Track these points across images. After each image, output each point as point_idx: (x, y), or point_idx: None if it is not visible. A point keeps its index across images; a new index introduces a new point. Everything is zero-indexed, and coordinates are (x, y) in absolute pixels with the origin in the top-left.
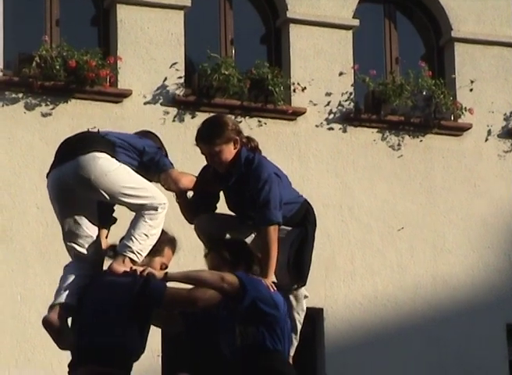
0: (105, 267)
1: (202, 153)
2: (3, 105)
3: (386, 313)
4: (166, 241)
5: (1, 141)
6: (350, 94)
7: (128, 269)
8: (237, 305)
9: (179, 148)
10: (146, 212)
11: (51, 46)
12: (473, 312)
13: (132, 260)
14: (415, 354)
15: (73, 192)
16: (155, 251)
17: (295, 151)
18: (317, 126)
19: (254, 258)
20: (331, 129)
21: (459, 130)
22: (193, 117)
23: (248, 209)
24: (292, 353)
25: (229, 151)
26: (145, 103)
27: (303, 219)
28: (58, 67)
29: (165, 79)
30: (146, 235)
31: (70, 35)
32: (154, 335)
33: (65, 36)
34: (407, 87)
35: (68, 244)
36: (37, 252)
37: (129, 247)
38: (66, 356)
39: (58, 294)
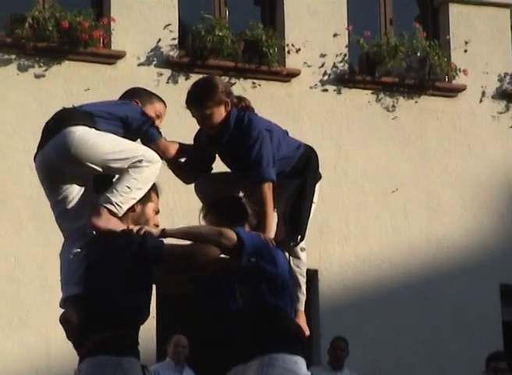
0: None
1: (193, 116)
2: None
3: (380, 274)
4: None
5: None
6: (345, 55)
7: (108, 226)
8: (236, 262)
9: (173, 110)
10: (131, 164)
11: (44, 7)
12: (467, 272)
13: (111, 212)
14: (409, 314)
15: (61, 172)
16: (144, 198)
17: (289, 112)
18: (311, 87)
19: (252, 213)
20: (325, 90)
21: (453, 92)
22: (187, 79)
23: (244, 169)
24: (302, 308)
25: (220, 114)
26: (139, 64)
27: (302, 170)
28: (50, 28)
29: (159, 40)
30: (129, 187)
31: None
32: None
33: None
34: (402, 49)
35: (60, 224)
36: (31, 214)
37: (109, 198)
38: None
39: (65, 286)
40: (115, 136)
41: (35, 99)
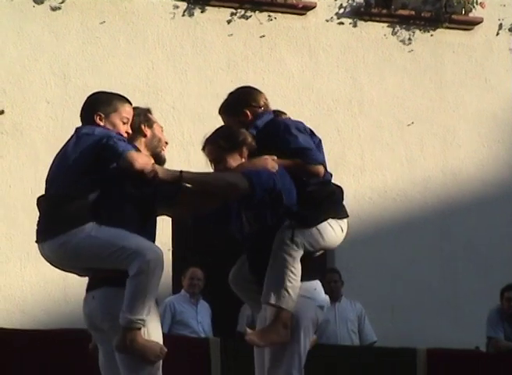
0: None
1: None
2: None
3: (396, 207)
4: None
5: (11, 35)
6: None
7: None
8: (246, 201)
9: (189, 42)
10: (133, 272)
11: None
12: (482, 206)
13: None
14: (424, 246)
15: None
16: (148, 121)
17: (305, 46)
18: (327, 20)
19: (248, 137)
20: (341, 23)
21: (470, 25)
22: (202, 11)
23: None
24: None
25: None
26: None
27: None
28: None
29: None
30: (144, 297)
31: None
32: (165, 229)
33: None
34: None
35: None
36: (47, 146)
37: (130, 318)
38: None
39: None
40: (103, 236)
41: (51, 31)
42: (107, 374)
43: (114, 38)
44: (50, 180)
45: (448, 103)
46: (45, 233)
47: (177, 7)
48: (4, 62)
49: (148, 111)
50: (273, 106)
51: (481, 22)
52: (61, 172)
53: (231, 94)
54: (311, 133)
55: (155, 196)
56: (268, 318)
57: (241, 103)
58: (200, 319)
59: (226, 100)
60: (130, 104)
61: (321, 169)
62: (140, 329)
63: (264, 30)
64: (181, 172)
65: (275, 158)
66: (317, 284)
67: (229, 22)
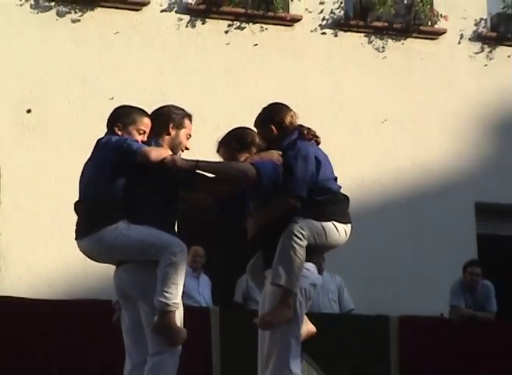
0: None
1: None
2: (38, 13)
3: (372, 194)
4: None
5: (36, 43)
6: (341, 2)
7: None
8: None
9: (192, 50)
10: (164, 263)
11: None
12: (446, 192)
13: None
14: (397, 227)
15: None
16: (179, 124)
17: (293, 53)
18: (311, 31)
19: (256, 138)
20: (324, 34)
21: (435, 35)
22: (203, 23)
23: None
24: None
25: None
26: (161, 11)
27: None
28: None
29: None
30: (173, 283)
31: None
32: None
33: None
34: None
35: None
36: (69, 141)
37: (166, 302)
38: None
39: None
40: (142, 232)
41: (72, 41)
42: (131, 338)
43: (126, 46)
44: (83, 188)
45: (417, 103)
46: (83, 231)
47: (181, 19)
48: (30, 68)
49: (187, 116)
50: (263, 104)
51: (445, 32)
52: (91, 180)
53: (264, 108)
54: (320, 157)
55: (176, 184)
56: (274, 298)
57: (268, 118)
58: (201, 291)
59: (259, 114)
60: (149, 117)
61: (292, 202)
62: (174, 312)
63: (257, 39)
64: (197, 161)
65: (281, 153)
66: (311, 266)
67: (226, 32)
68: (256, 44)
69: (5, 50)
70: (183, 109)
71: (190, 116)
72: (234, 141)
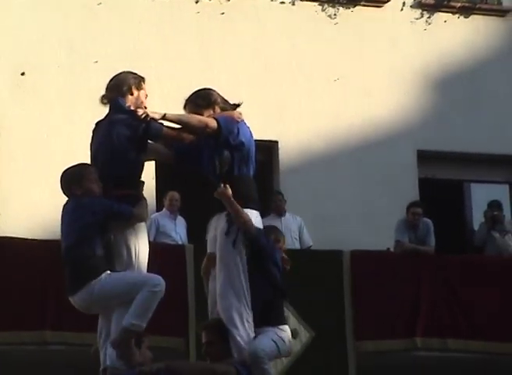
0: None
1: None
2: None
3: (326, 145)
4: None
5: (29, 13)
6: None
7: None
8: (215, 140)
9: (167, 19)
10: (145, 290)
11: None
12: (391, 142)
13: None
14: (349, 175)
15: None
16: (139, 85)
17: (255, 21)
18: (272, 0)
19: (218, 97)
20: (283, 3)
21: (381, 3)
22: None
23: None
24: None
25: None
26: None
27: None
28: None
29: None
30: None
31: None
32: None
33: None
34: None
35: None
36: (59, 101)
37: (136, 324)
38: None
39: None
40: (112, 280)
41: (60, 10)
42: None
43: (109, 16)
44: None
45: (366, 63)
46: (73, 287)
47: None
48: (24, 36)
49: (142, 79)
50: (234, 68)
51: (389, 0)
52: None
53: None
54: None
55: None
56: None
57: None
58: (178, 231)
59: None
60: (141, 77)
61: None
62: (136, 333)
63: (224, 8)
64: (165, 113)
65: (241, 112)
66: (254, 213)
67: (196, 2)
68: (223, 13)
69: (0, 20)
70: (137, 74)
71: (144, 79)
72: (200, 99)
